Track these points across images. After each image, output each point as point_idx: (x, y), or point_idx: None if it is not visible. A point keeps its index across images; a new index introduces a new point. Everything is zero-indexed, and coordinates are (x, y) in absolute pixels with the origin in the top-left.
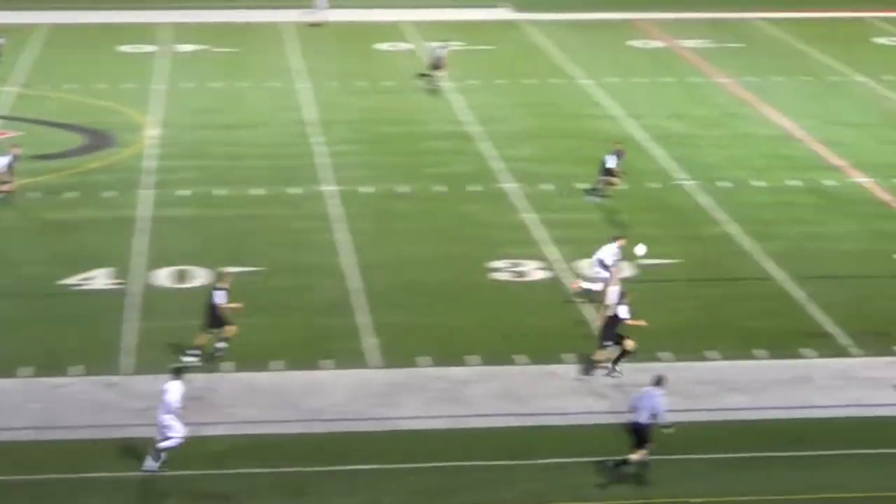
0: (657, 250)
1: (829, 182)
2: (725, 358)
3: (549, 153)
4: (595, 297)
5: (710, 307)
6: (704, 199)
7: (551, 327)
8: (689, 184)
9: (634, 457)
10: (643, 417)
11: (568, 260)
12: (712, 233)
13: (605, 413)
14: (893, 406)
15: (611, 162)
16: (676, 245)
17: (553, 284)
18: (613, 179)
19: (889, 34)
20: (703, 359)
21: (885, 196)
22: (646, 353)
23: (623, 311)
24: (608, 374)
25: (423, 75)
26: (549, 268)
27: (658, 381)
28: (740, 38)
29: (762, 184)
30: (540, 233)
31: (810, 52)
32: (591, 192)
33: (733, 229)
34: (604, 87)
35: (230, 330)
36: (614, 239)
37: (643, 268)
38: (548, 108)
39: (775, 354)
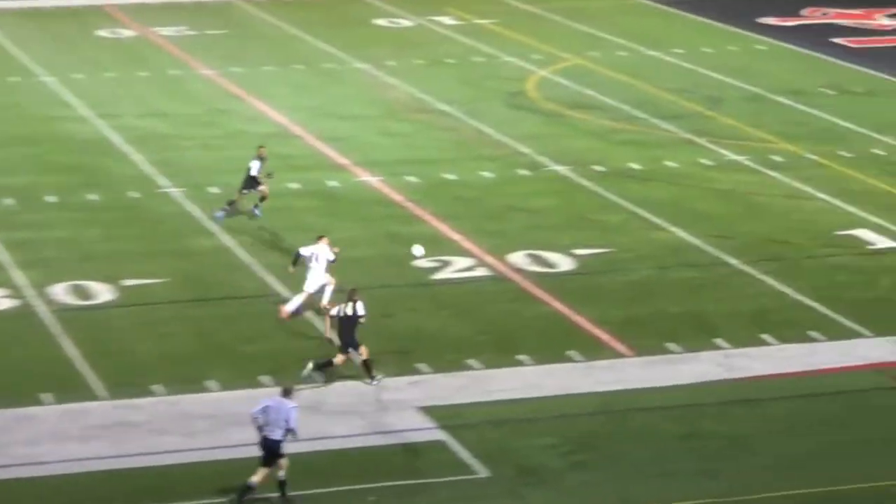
0: (140, 268)
1: (332, 183)
2: (226, 388)
3: (10, 162)
4: (303, 309)
5: (204, 331)
6: (193, 208)
7: (25, 362)
8: (174, 191)
9: (256, 479)
10: (277, 433)
11: (38, 286)
12: (203, 246)
13: (94, 459)
14: (421, 430)
15: (255, 168)
16: (162, 262)
17: (23, 314)
18: (262, 188)
19: (390, 15)
20: (202, 389)
21: (396, 196)
22: (135, 388)
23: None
24: (373, 383)
25: None
26: (16, 295)
27: (287, 392)
28: (223, 23)
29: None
30: (3, 256)
31: (304, 38)
32: (245, 205)
33: (228, 241)
34: (70, 84)
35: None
36: (319, 238)
37: (124, 289)
38: (8, 111)
39: (281, 381)
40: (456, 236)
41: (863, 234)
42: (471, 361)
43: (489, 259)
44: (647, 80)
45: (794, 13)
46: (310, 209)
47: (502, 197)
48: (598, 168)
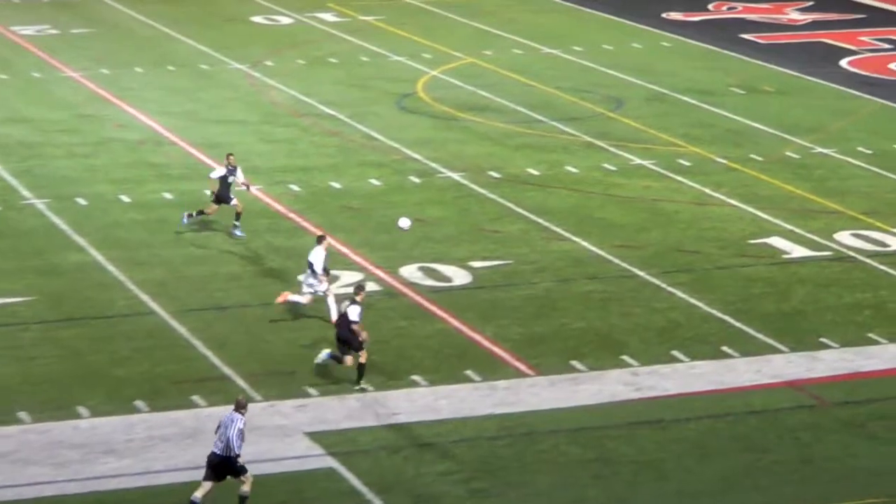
0: (2, 287)
1: (209, 192)
2: (98, 414)
3: None
4: (303, 309)
5: (74, 353)
6: (59, 221)
7: None
8: (38, 203)
9: (199, 494)
10: (222, 448)
11: None
12: (72, 262)
13: None
14: (310, 457)
15: (217, 173)
16: (27, 279)
17: None
18: (235, 203)
19: (268, 12)
20: (72, 416)
21: (277, 206)
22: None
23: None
24: (356, 388)
25: None
26: None
27: (239, 406)
28: (89, 21)
29: (129, 199)
30: None
31: (176, 37)
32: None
33: (97, 256)
34: None
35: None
36: (319, 240)
37: None
38: None
39: (159, 406)
40: (343, 249)
41: (776, 242)
42: (362, 383)
43: (379, 273)
44: (545, 80)
45: (701, 8)
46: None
47: (392, 206)
48: (494, 174)
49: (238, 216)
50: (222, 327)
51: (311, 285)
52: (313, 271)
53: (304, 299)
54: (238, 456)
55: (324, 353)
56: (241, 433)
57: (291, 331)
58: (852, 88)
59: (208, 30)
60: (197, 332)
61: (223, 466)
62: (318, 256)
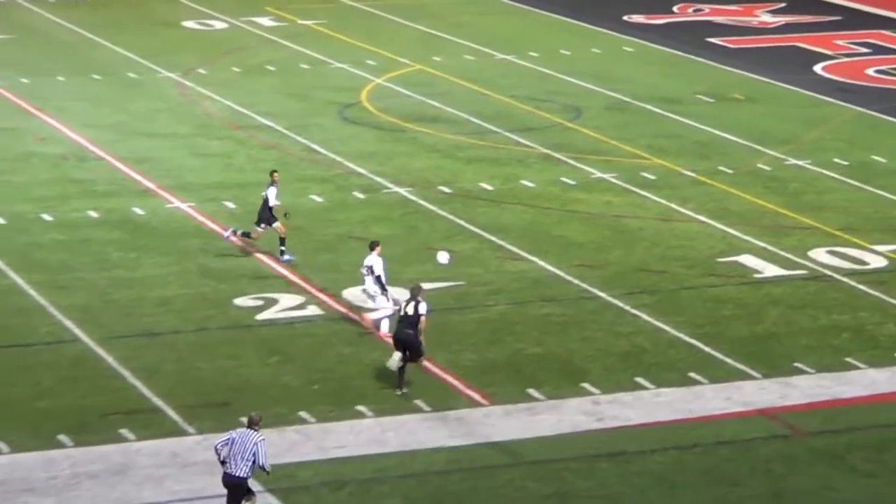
0: None
1: (138, 210)
2: (18, 449)
3: None
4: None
5: None
6: None
7: None
8: None
9: None
10: (241, 469)
11: None
12: None
13: None
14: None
15: (272, 197)
16: None
17: None
18: (277, 225)
19: (201, 16)
20: None
21: (212, 225)
22: None
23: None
24: (398, 393)
25: None
26: None
27: (252, 423)
28: (7, 27)
29: (51, 218)
30: None
31: (102, 43)
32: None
33: (17, 280)
34: None
35: None
36: (372, 247)
37: None
38: None
39: (84, 440)
40: (282, 271)
41: (748, 260)
42: (303, 414)
43: (322, 296)
44: (498, 87)
45: (665, 10)
46: (112, 241)
47: (335, 224)
48: (444, 190)
49: (282, 240)
50: (152, 355)
51: (374, 295)
52: (380, 282)
53: (385, 324)
54: (267, 470)
55: (396, 356)
56: (263, 443)
57: (227, 358)
58: (828, 95)
59: (136, 35)
60: (125, 361)
61: (239, 488)
62: (378, 264)
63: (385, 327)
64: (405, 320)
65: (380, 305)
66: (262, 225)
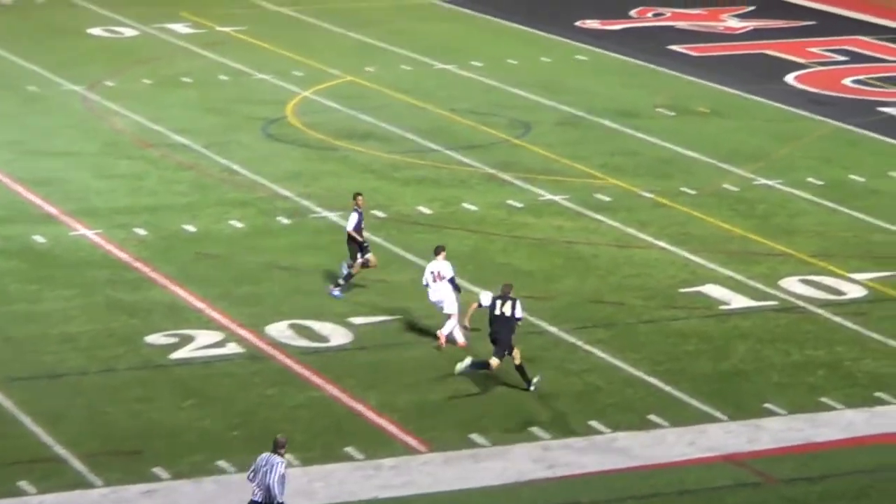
0: None
1: (39, 238)
2: None
3: None
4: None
5: None
6: None
7: None
8: None
9: None
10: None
11: None
12: None
13: None
14: None
15: (351, 224)
16: None
17: None
18: (368, 256)
19: (108, 23)
20: None
21: (120, 254)
22: None
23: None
24: (531, 388)
25: None
26: None
27: (278, 445)
28: None
29: None
30: None
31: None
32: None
33: None
34: None
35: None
36: (437, 252)
37: None
38: None
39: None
40: (199, 304)
41: (712, 290)
42: (221, 463)
43: (242, 332)
44: (438, 100)
45: (622, 15)
46: (10, 272)
47: (257, 253)
48: (378, 214)
49: (350, 276)
50: (55, 399)
51: (441, 303)
52: (454, 284)
53: (460, 338)
54: None
55: (467, 360)
56: (283, 478)
57: (138, 402)
58: (800, 108)
59: (37, 44)
60: (24, 405)
61: None
62: (446, 268)
63: (461, 337)
64: (500, 321)
65: (448, 311)
66: (360, 257)
